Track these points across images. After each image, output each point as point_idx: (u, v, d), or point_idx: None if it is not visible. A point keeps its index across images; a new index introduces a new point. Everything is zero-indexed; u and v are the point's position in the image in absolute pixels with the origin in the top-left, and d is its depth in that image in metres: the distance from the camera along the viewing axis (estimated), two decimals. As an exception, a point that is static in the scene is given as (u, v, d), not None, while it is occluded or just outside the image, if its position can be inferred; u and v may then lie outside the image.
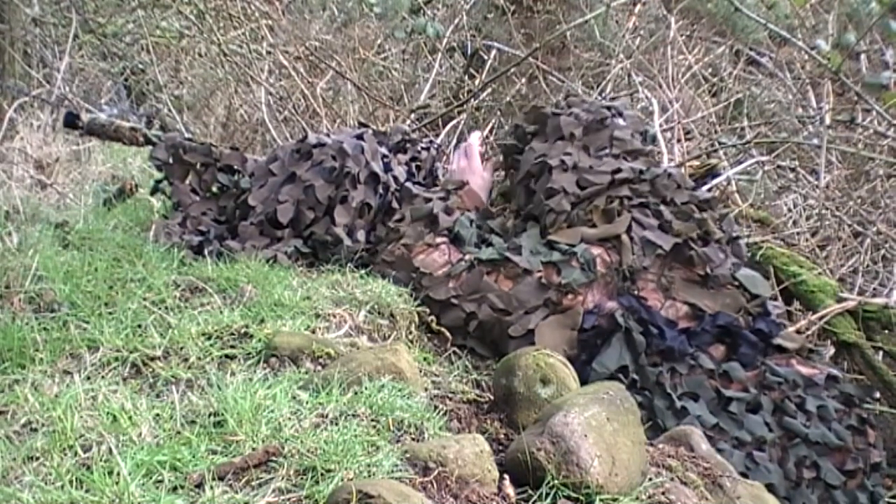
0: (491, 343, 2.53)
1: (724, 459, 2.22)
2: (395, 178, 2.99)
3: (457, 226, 2.73)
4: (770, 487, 2.25)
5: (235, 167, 3.04)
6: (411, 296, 2.57)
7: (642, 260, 2.54)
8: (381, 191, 2.91)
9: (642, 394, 2.36)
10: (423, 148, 3.20)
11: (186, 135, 3.11)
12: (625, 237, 2.57)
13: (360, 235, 2.80)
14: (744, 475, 2.25)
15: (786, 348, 2.55)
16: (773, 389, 2.43)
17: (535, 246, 2.61)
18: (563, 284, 2.50)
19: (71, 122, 3.27)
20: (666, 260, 2.57)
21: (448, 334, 2.53)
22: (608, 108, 2.83)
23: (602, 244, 2.58)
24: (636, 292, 2.52)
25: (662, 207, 2.65)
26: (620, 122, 2.74)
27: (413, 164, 3.12)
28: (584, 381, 2.33)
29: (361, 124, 3.41)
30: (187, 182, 3.04)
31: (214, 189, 3.06)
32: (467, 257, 2.62)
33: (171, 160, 3.03)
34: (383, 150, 3.07)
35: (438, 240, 2.69)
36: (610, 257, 2.55)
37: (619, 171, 2.66)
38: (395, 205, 2.91)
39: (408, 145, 3.19)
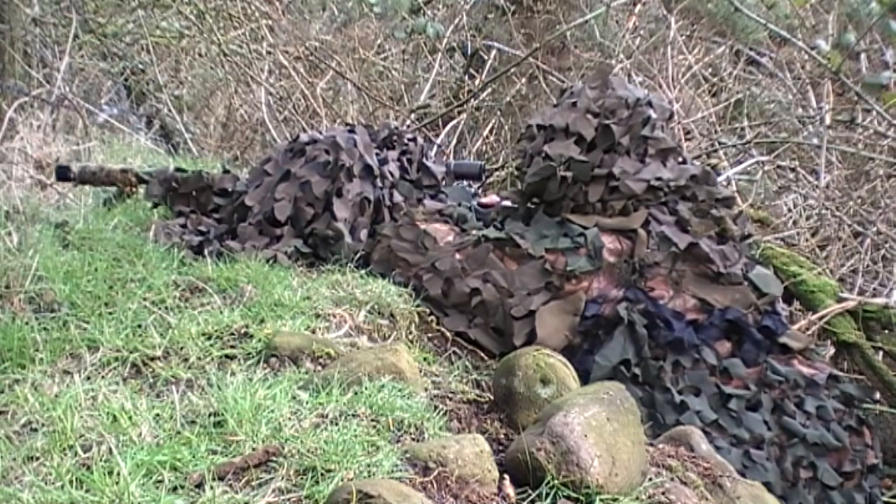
0: (494, 330, 2.53)
1: (722, 457, 2.23)
2: (391, 173, 2.99)
3: (456, 210, 2.76)
4: (767, 486, 2.26)
5: (230, 189, 3.05)
6: (411, 296, 2.57)
7: (655, 255, 2.54)
8: (378, 184, 2.91)
9: (644, 388, 2.37)
10: (409, 139, 3.19)
11: (172, 168, 3.17)
12: (641, 231, 2.57)
13: (363, 235, 2.80)
14: (741, 474, 2.26)
15: (790, 347, 2.55)
16: (774, 388, 2.43)
17: (544, 229, 2.61)
18: (567, 271, 2.51)
19: (63, 175, 3.34)
20: (679, 256, 2.57)
21: (448, 333, 2.53)
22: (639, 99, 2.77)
23: (615, 232, 2.59)
24: (644, 284, 2.52)
25: (681, 206, 2.65)
26: (653, 114, 2.70)
27: (405, 158, 3.12)
28: (585, 371, 2.35)
29: (349, 125, 3.42)
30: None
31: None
32: (474, 232, 2.64)
33: (166, 194, 3.07)
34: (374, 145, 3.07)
35: (434, 218, 2.73)
36: (621, 245, 2.56)
37: (658, 179, 2.64)
38: (396, 198, 2.92)
39: (395, 140, 3.19)
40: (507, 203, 2.84)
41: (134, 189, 3.38)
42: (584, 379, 2.33)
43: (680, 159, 2.73)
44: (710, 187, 2.71)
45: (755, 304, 2.55)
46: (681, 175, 2.68)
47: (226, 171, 3.18)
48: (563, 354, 2.40)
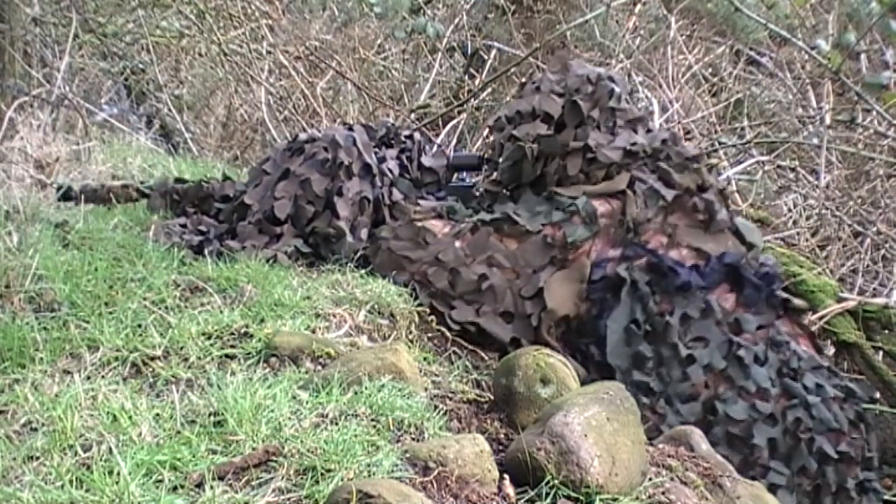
0: (504, 314, 2.54)
1: (728, 408, 2.28)
2: (390, 171, 2.99)
3: (444, 205, 2.78)
4: (772, 443, 2.30)
5: (231, 195, 3.06)
6: (411, 295, 2.57)
7: (646, 212, 2.58)
8: (377, 183, 2.91)
9: (654, 344, 2.40)
10: (406, 137, 3.19)
11: (172, 180, 3.21)
12: (628, 190, 2.61)
13: (363, 234, 2.79)
14: (746, 425, 2.31)
15: (791, 305, 2.59)
16: (780, 348, 2.45)
17: (534, 206, 2.63)
18: (567, 242, 2.53)
19: (66, 196, 3.41)
20: (668, 210, 2.61)
21: (448, 333, 2.53)
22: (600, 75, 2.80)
23: (603, 196, 2.61)
24: (640, 240, 2.56)
25: (660, 163, 2.69)
26: (616, 88, 2.74)
27: (404, 157, 3.12)
28: (596, 337, 2.43)
29: (348, 125, 3.43)
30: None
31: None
32: (468, 219, 2.66)
33: (167, 206, 3.10)
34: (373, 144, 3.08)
35: (430, 215, 2.75)
36: (611, 206, 2.59)
37: (633, 144, 2.67)
38: (395, 196, 2.92)
39: (392, 139, 3.19)
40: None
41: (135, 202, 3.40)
42: (601, 344, 2.40)
43: (648, 129, 2.77)
44: (679, 148, 2.75)
45: (745, 256, 2.60)
46: (653, 140, 2.72)
47: (226, 178, 3.19)
48: (573, 322, 2.47)
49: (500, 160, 2.76)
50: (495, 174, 2.82)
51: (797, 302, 2.65)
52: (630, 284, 2.47)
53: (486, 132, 4.89)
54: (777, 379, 2.41)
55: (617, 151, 2.65)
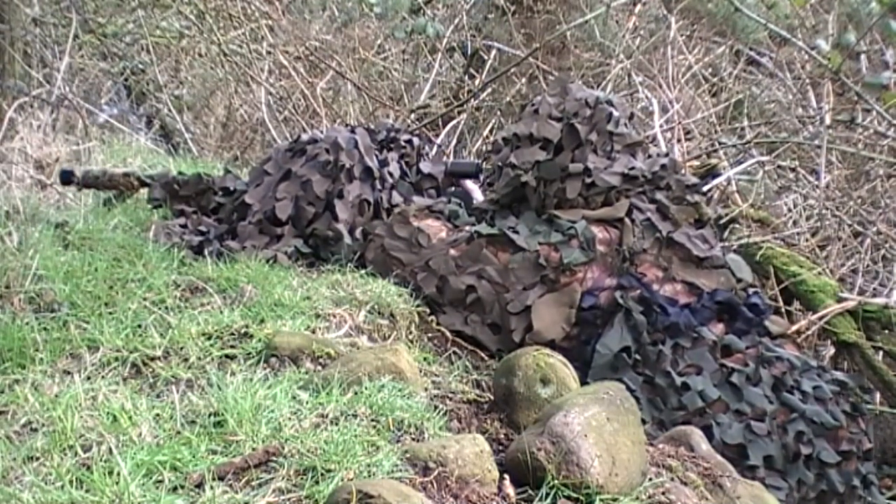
0: (490, 326, 2.54)
1: (724, 432, 2.27)
2: (391, 174, 2.99)
3: (447, 207, 2.78)
4: (768, 460, 2.29)
5: (231, 188, 3.07)
6: (411, 295, 2.57)
7: (642, 242, 2.58)
8: (378, 186, 2.91)
9: (645, 374, 2.39)
10: (406, 141, 3.19)
11: (175, 173, 3.22)
12: (627, 219, 2.61)
13: (361, 234, 2.79)
14: (742, 447, 2.28)
15: (773, 332, 2.60)
16: (772, 364, 2.45)
17: (534, 225, 2.64)
18: (563, 264, 2.52)
19: (66, 178, 3.42)
20: (664, 242, 2.62)
21: (448, 333, 2.53)
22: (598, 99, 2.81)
23: (602, 223, 2.61)
24: (635, 270, 2.56)
25: (658, 195, 2.69)
26: (615, 112, 2.74)
27: (404, 161, 3.12)
28: (583, 361, 2.38)
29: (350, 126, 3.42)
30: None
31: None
32: (467, 228, 2.66)
33: (168, 197, 3.10)
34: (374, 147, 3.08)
35: (425, 214, 2.75)
36: (609, 234, 2.59)
37: (631, 169, 2.68)
38: (395, 199, 2.92)
39: (392, 143, 3.19)
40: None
41: (136, 191, 3.40)
42: (584, 369, 2.35)
43: (647, 153, 2.77)
44: (679, 176, 2.76)
45: (735, 289, 2.60)
46: (652, 165, 2.73)
47: (227, 171, 3.20)
48: (560, 346, 2.42)
49: (499, 184, 2.77)
50: (494, 194, 2.82)
51: (780, 324, 2.66)
52: (625, 312, 2.46)
53: (486, 133, 4.90)
54: (773, 395, 2.41)
55: (615, 176, 2.65)
